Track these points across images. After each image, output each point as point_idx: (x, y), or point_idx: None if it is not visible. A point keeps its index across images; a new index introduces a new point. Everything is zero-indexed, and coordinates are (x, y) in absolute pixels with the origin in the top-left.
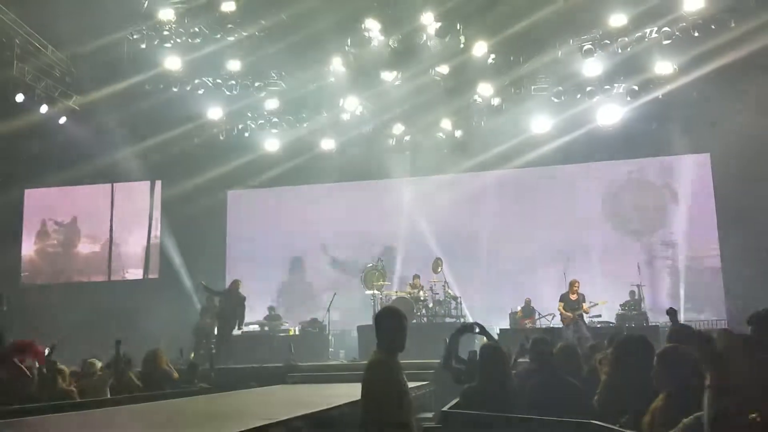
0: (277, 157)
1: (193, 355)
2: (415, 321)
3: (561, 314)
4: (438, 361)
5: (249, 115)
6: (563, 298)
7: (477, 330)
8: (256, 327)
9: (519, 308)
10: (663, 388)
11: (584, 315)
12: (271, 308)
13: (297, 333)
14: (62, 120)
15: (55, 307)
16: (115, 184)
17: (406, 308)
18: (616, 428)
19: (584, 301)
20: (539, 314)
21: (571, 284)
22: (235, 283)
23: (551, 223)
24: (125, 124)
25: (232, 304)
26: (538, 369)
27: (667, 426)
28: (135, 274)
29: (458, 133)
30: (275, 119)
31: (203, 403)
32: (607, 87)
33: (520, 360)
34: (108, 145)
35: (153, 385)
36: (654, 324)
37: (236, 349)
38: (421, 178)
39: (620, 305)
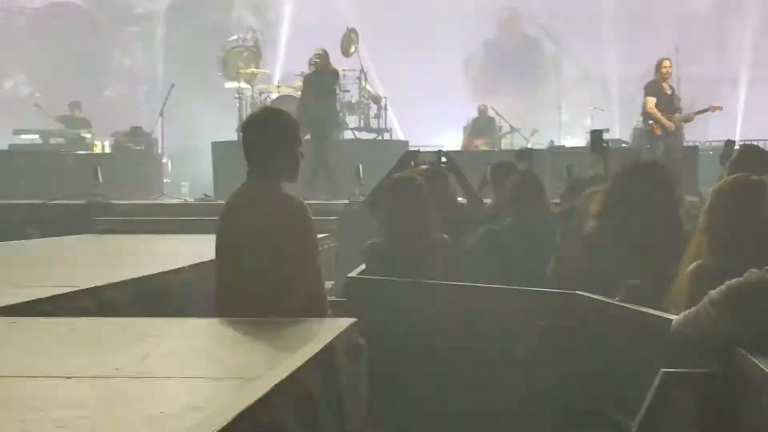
0: None
1: None
2: (308, 136)
3: (651, 117)
4: (345, 202)
5: None
6: (652, 89)
7: (443, 161)
8: (35, 137)
9: (470, 120)
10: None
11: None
12: (74, 104)
13: (108, 151)
14: None
15: None
16: None
17: (294, 113)
18: (614, 301)
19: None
20: (511, 127)
21: (662, 65)
22: None
23: None
24: None
25: None
26: (494, 212)
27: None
28: None
29: None
30: None
31: None
32: None
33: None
34: None
35: None
36: (692, 143)
37: (1, 174)
38: None
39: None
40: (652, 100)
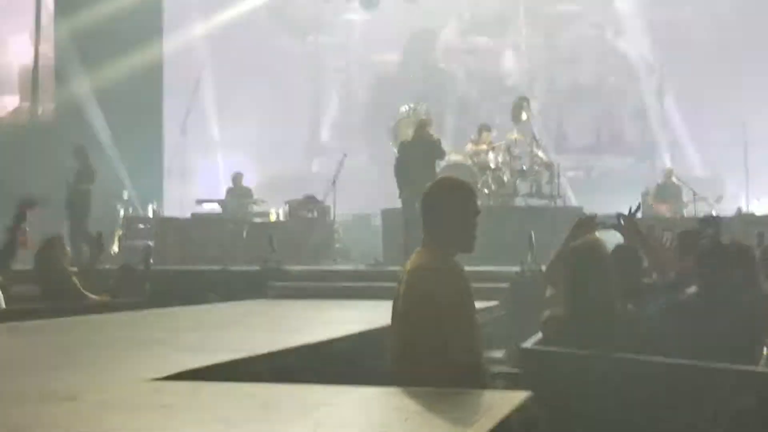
0: None
1: (117, 245)
2: (480, 202)
3: None
4: (516, 269)
5: None
6: None
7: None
8: (215, 206)
9: (655, 185)
10: None
11: None
12: (236, 176)
13: (282, 219)
14: None
15: None
16: None
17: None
18: None
19: None
20: (695, 194)
21: None
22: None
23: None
24: None
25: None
26: (679, 283)
27: None
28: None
29: None
30: None
31: (132, 323)
32: None
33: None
34: None
35: (52, 293)
36: None
37: (184, 242)
38: None
39: None
40: None
